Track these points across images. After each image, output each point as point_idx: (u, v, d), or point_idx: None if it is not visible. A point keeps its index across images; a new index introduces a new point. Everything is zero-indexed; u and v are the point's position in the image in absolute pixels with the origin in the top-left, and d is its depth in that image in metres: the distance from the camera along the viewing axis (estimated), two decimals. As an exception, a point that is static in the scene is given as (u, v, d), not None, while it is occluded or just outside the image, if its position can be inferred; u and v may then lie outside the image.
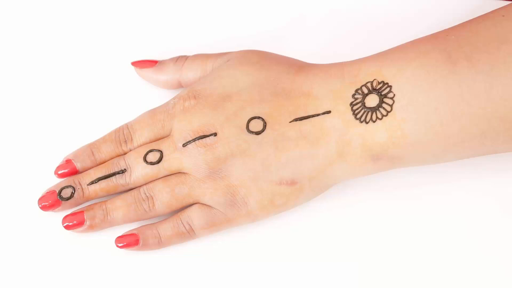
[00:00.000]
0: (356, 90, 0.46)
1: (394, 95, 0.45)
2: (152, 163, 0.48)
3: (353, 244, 0.49)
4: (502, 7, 0.46)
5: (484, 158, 0.48)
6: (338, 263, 0.49)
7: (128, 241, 0.48)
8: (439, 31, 0.46)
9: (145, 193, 0.48)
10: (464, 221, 0.49)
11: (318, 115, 0.46)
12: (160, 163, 0.48)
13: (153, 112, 0.50)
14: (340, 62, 0.48)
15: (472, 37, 0.44)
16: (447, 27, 0.47)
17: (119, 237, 0.48)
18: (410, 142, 0.45)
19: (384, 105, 0.45)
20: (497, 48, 0.43)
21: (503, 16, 0.45)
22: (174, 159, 0.48)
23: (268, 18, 0.57)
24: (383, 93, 0.45)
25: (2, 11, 0.55)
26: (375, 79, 0.45)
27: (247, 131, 0.47)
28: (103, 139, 0.50)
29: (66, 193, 0.49)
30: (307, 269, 0.48)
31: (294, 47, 0.53)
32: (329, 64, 0.48)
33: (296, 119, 0.46)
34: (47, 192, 0.49)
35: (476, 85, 0.43)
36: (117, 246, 0.48)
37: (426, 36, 0.47)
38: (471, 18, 0.47)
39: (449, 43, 0.45)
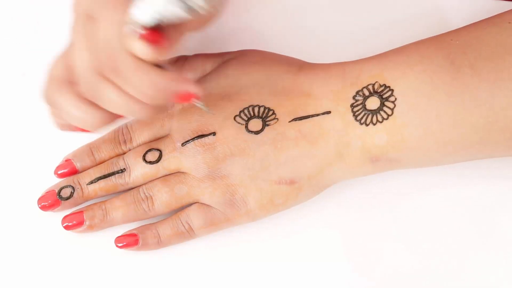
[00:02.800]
0: (357, 92, 0.46)
1: (396, 99, 0.45)
2: (151, 163, 0.48)
3: (352, 243, 0.49)
4: (508, 12, 0.46)
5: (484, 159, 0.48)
6: (337, 262, 0.49)
7: (128, 241, 0.48)
8: (443, 34, 0.46)
9: (144, 193, 0.48)
10: (463, 222, 0.49)
11: (317, 115, 0.46)
12: (159, 163, 0.48)
13: (152, 112, 0.50)
14: (341, 62, 0.48)
15: (476, 43, 0.44)
16: (447, 25, 0.47)
17: (118, 237, 0.48)
18: (409, 146, 0.45)
19: (385, 108, 0.45)
20: (501, 58, 0.43)
21: (509, 23, 0.44)
22: (173, 158, 0.48)
23: (269, 17, 0.56)
24: (384, 96, 0.45)
25: (2, 10, 0.55)
26: (376, 82, 0.45)
27: (246, 130, 0.47)
28: (103, 139, 0.50)
29: (66, 192, 0.49)
30: (306, 268, 0.48)
31: (294, 47, 0.53)
32: (330, 63, 0.48)
33: (295, 119, 0.46)
34: (47, 192, 0.49)
35: (479, 94, 0.43)
36: (117, 246, 0.48)
37: (429, 38, 0.46)
38: (471, 16, 0.47)
39: (453, 49, 0.44)
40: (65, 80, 0.42)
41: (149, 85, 0.39)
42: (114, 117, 0.43)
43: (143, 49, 0.38)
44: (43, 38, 0.54)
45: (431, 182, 0.50)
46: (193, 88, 0.41)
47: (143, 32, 0.37)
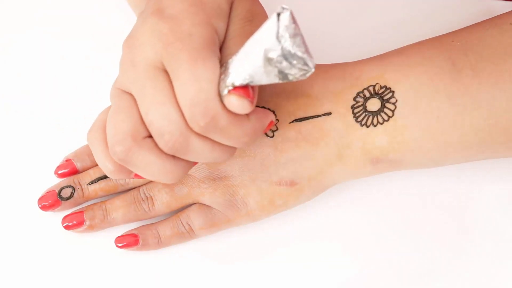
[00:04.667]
0: (358, 93, 0.46)
1: (396, 100, 0.45)
2: (152, 163, 0.48)
3: (353, 244, 0.49)
4: (509, 13, 0.46)
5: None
6: (338, 263, 0.49)
7: (128, 241, 0.48)
8: (444, 34, 0.46)
9: (145, 193, 0.48)
10: (464, 222, 0.49)
11: (318, 116, 0.46)
12: (160, 164, 0.48)
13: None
14: (341, 63, 0.48)
15: (478, 45, 0.44)
16: (448, 26, 0.47)
17: (118, 237, 0.48)
18: (410, 148, 0.45)
19: (385, 110, 0.45)
20: (503, 60, 0.43)
21: (511, 24, 0.44)
22: (174, 159, 0.48)
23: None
24: (385, 98, 0.45)
25: (2, 10, 0.55)
26: (377, 83, 0.45)
27: None
28: (104, 139, 0.50)
29: (66, 193, 0.49)
30: (307, 268, 0.49)
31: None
32: (330, 64, 0.48)
33: (296, 120, 0.46)
34: (47, 192, 0.49)
35: (480, 96, 0.43)
36: (117, 246, 0.48)
37: (430, 39, 0.46)
38: (473, 17, 0.47)
39: (454, 50, 0.44)
40: (142, 137, 0.40)
41: (247, 133, 0.39)
42: (193, 165, 0.42)
43: (240, 104, 0.37)
44: (44, 37, 0.54)
45: (431, 183, 0.50)
46: (272, 116, 0.42)
47: (235, 88, 0.37)
